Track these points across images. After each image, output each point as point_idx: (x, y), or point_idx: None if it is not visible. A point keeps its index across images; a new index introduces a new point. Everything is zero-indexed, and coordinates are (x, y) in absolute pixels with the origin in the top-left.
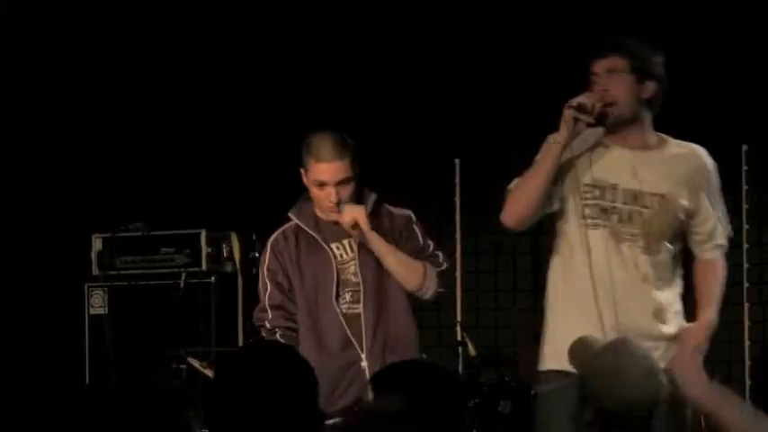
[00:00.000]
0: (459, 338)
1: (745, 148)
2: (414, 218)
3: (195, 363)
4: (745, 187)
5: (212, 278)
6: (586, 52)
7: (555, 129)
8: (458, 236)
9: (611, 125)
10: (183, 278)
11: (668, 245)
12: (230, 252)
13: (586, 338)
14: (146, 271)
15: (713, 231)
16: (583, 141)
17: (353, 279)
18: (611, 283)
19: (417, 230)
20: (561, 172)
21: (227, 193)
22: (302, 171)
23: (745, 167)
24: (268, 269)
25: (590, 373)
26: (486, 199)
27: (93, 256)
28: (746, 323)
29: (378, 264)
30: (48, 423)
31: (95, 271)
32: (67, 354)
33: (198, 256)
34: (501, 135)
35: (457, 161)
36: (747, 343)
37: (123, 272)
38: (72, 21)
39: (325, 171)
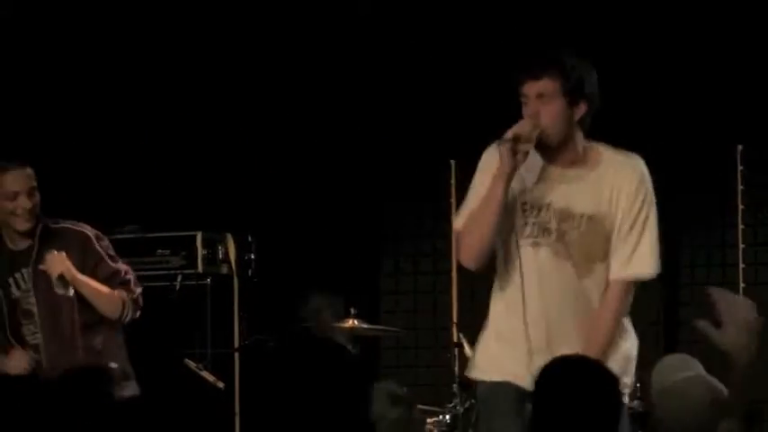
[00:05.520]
0: (455, 339)
1: (740, 148)
2: (92, 237)
3: (192, 365)
4: (740, 187)
5: (208, 280)
6: (517, 70)
7: None
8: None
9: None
10: (178, 280)
11: (601, 265)
12: (226, 254)
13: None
14: (141, 273)
15: (624, 256)
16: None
17: (33, 310)
18: (543, 301)
19: (102, 252)
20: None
21: (223, 194)
22: None
23: (740, 167)
24: None
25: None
26: None
27: None
28: None
29: (53, 294)
30: None
31: None
32: None
33: (194, 257)
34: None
35: (453, 162)
36: None
37: None
38: (66, 24)
39: None
